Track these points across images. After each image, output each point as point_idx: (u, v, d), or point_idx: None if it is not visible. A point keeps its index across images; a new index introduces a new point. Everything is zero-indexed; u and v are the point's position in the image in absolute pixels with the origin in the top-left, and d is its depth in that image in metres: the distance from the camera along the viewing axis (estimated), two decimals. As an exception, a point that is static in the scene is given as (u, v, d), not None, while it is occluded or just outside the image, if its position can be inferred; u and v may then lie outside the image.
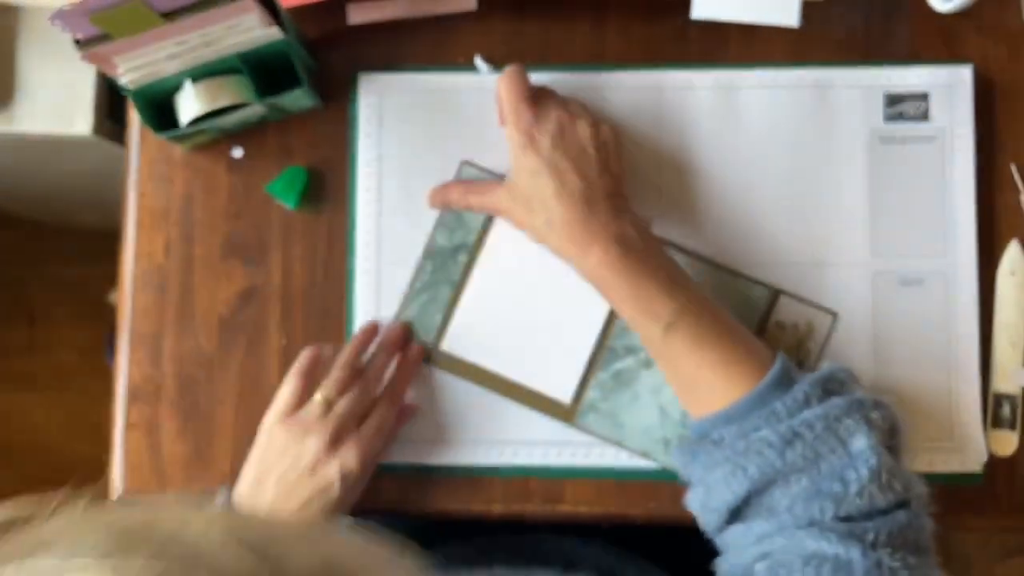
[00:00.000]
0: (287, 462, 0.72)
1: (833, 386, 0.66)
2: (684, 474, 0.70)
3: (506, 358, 0.78)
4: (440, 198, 0.79)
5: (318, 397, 0.74)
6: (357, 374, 0.75)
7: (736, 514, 0.66)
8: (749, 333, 0.71)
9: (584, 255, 0.70)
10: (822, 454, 0.63)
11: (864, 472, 0.62)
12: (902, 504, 0.63)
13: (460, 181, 0.79)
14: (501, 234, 0.79)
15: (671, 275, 0.70)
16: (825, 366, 0.69)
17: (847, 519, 0.61)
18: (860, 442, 0.63)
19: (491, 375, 0.78)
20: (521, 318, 0.79)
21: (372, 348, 0.78)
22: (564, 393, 0.78)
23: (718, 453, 0.66)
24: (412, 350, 0.78)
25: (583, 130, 0.73)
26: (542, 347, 0.78)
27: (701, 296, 0.70)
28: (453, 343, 0.79)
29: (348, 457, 0.72)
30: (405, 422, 0.78)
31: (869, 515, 0.62)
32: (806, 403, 0.65)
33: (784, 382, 0.66)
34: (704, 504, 0.67)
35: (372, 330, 0.78)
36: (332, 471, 0.72)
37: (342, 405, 0.73)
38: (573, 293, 0.78)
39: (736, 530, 0.66)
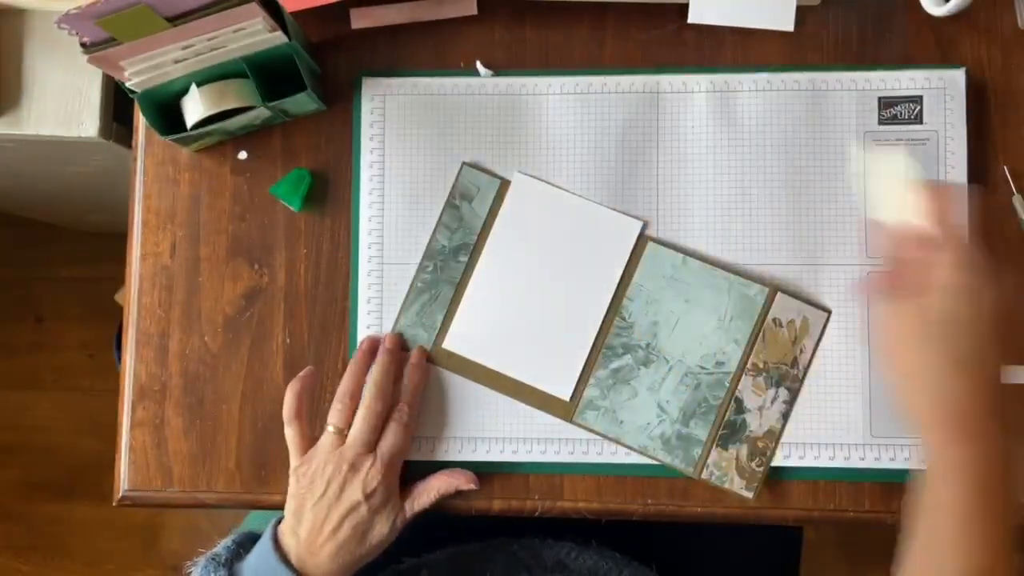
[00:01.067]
0: (317, 492, 0.74)
1: None
2: None
3: (506, 356, 0.79)
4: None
5: (329, 428, 0.76)
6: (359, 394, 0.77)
7: None
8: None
9: (933, 442, 0.62)
10: None
11: None
12: None
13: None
14: (501, 234, 0.80)
15: (1007, 513, 0.60)
16: None
17: None
18: None
19: (491, 373, 0.79)
20: (521, 317, 0.80)
21: (374, 363, 0.79)
22: (563, 390, 0.79)
23: None
24: (415, 355, 0.79)
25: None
26: (542, 345, 0.79)
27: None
28: (453, 341, 0.80)
29: (369, 476, 0.74)
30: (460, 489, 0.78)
31: None
32: None
33: None
34: None
35: (370, 349, 0.79)
36: (356, 493, 0.74)
37: (354, 432, 0.75)
38: (572, 292, 0.79)
39: None
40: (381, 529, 0.75)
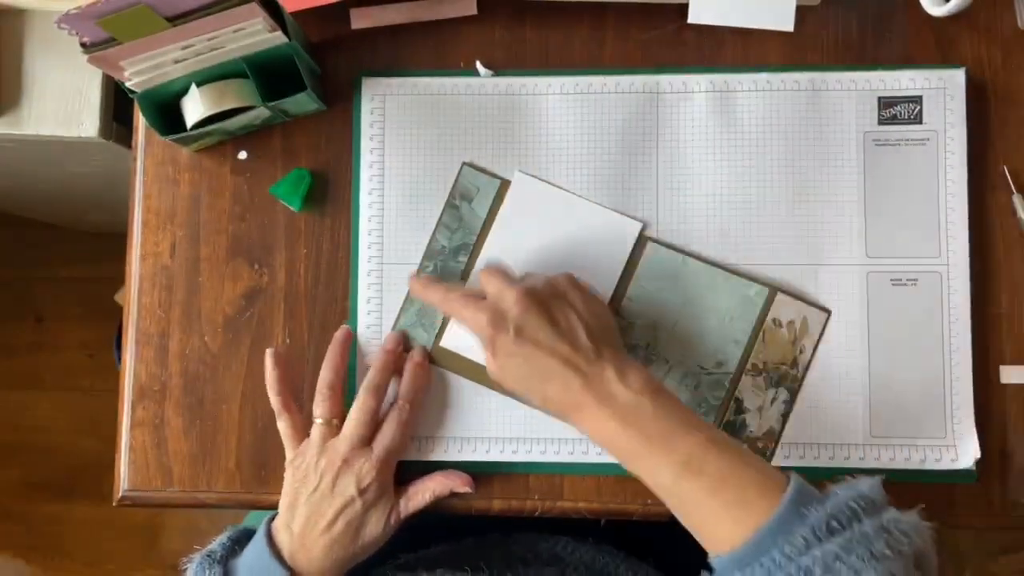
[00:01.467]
0: (310, 486, 0.74)
1: (843, 518, 0.60)
2: None
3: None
4: (418, 292, 0.78)
5: (318, 421, 0.76)
6: (339, 389, 0.78)
7: None
8: (764, 468, 0.65)
9: (579, 424, 0.69)
10: None
11: None
12: None
13: (443, 285, 0.77)
14: (501, 234, 0.80)
15: (669, 425, 0.66)
16: (840, 492, 0.62)
17: None
18: None
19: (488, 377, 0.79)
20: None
21: (373, 360, 0.79)
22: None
23: None
24: (417, 353, 0.79)
25: (542, 304, 0.70)
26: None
27: (704, 437, 0.66)
28: (453, 341, 0.80)
29: (363, 471, 0.74)
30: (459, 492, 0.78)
31: None
32: (807, 546, 0.60)
33: (794, 522, 0.61)
34: None
35: (344, 339, 0.79)
36: (350, 488, 0.74)
37: (348, 427, 0.76)
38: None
39: None
40: (375, 526, 0.75)
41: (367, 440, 0.75)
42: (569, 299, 0.71)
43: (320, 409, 0.77)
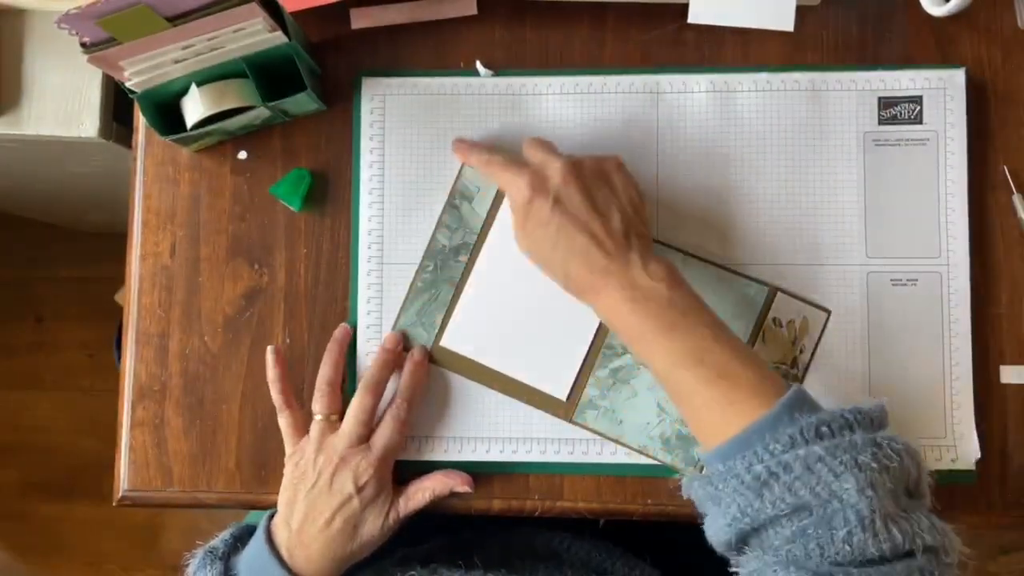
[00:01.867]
0: (308, 482, 0.74)
1: (835, 426, 0.61)
2: (696, 504, 0.68)
3: (504, 355, 0.79)
4: (463, 154, 0.79)
5: (317, 417, 0.77)
6: (338, 386, 0.78)
7: (740, 546, 0.64)
8: (766, 372, 0.66)
9: (594, 302, 0.71)
10: (805, 497, 0.59)
11: (852, 518, 0.57)
12: (904, 555, 0.58)
13: (486, 148, 0.78)
14: (501, 234, 0.80)
15: (680, 315, 0.68)
16: (835, 408, 0.63)
17: (837, 564, 0.58)
18: (849, 485, 0.58)
19: (490, 372, 0.79)
20: (519, 316, 0.80)
21: (372, 357, 0.80)
22: (559, 390, 0.79)
23: (712, 489, 0.64)
24: (417, 352, 0.79)
25: (584, 180, 0.71)
26: (539, 344, 0.79)
27: (711, 333, 0.67)
28: (452, 340, 0.80)
29: (360, 469, 0.74)
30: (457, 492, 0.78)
31: (860, 563, 0.57)
32: (791, 445, 0.61)
33: (784, 422, 0.62)
34: (710, 535, 0.66)
35: (343, 337, 0.80)
36: (348, 485, 0.74)
37: (345, 425, 0.76)
38: (562, 319, 0.79)
39: (736, 561, 0.63)
40: (373, 525, 0.75)
41: (365, 438, 0.76)
42: (612, 182, 0.72)
43: (319, 405, 0.77)
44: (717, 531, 0.65)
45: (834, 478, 0.59)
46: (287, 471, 0.76)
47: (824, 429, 0.61)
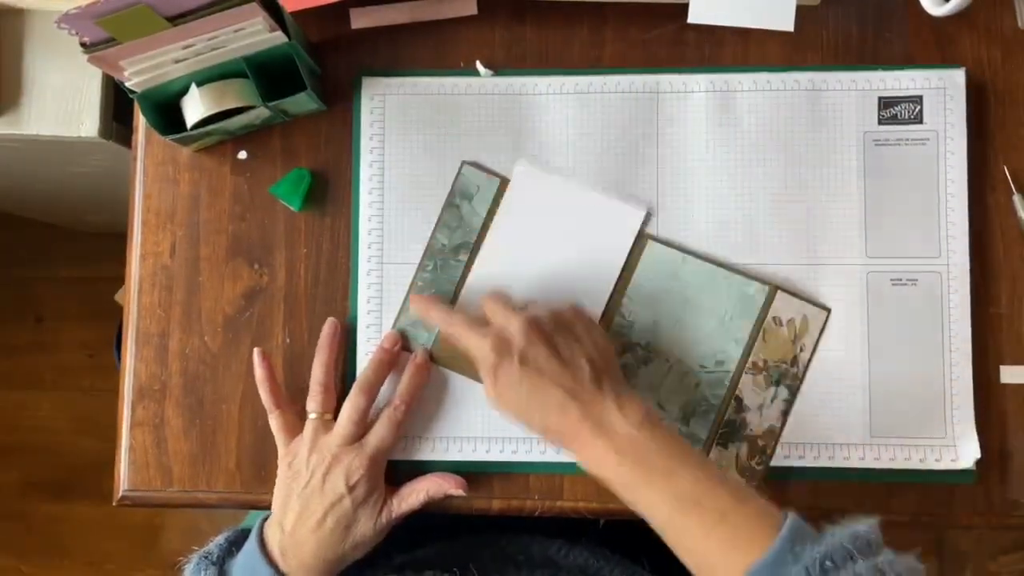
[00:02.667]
0: (301, 481, 0.74)
1: (838, 558, 0.60)
2: None
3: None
4: (423, 311, 0.78)
5: (311, 416, 0.77)
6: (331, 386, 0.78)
7: None
8: (760, 504, 0.65)
9: (577, 453, 0.70)
10: None
11: None
12: None
13: (445, 307, 0.77)
14: (500, 234, 0.80)
15: (667, 458, 0.67)
16: (836, 532, 0.62)
17: None
18: None
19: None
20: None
21: (368, 358, 0.80)
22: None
23: None
24: (419, 354, 0.79)
25: (546, 334, 0.71)
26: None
27: (702, 473, 0.66)
28: (451, 347, 0.80)
29: (352, 468, 0.74)
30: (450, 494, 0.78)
31: None
32: None
33: (788, 561, 0.61)
34: None
35: (333, 333, 0.80)
36: (339, 484, 0.74)
37: (338, 425, 0.76)
38: (570, 293, 0.79)
39: None
40: (365, 525, 0.75)
41: (357, 437, 0.76)
42: (575, 331, 0.72)
43: (313, 404, 0.77)
44: None
45: None
46: (280, 472, 0.76)
47: (828, 564, 0.60)
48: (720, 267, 0.79)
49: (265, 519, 0.76)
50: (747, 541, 0.63)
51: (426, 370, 0.79)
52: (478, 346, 0.72)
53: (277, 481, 0.76)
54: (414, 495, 0.76)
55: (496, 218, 0.80)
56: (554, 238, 0.80)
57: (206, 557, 0.76)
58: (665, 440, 0.67)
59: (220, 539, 0.78)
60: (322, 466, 0.74)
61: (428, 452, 0.79)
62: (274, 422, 0.78)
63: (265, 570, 0.72)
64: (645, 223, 0.80)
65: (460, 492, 0.77)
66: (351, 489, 0.74)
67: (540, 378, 0.69)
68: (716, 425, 0.78)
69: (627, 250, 0.79)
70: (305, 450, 0.75)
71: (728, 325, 0.78)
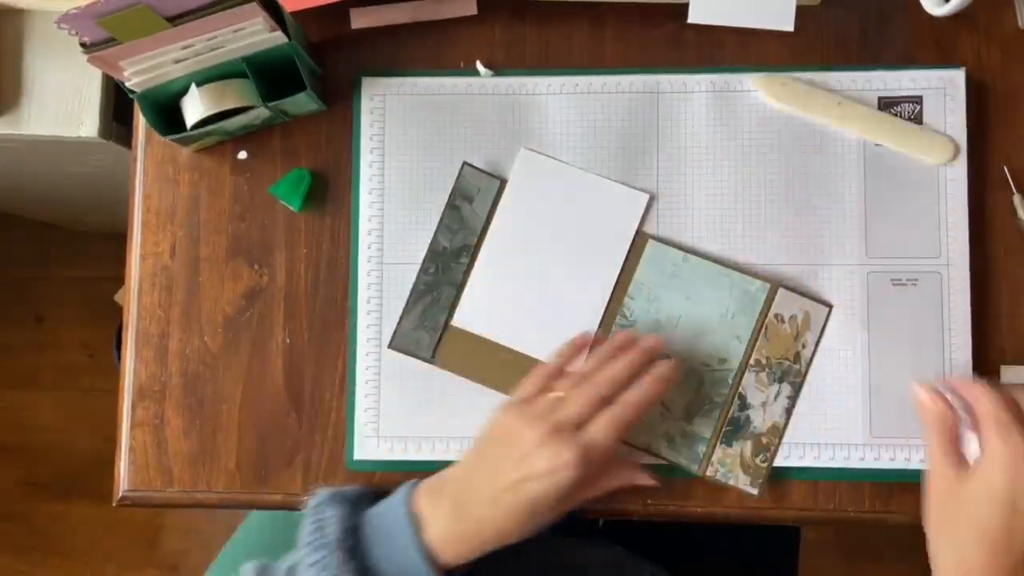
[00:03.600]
0: (502, 441, 0.70)
1: None
2: None
3: (508, 352, 0.79)
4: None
5: (550, 396, 0.72)
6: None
7: None
8: None
9: None
10: None
11: None
12: None
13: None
14: (500, 234, 0.80)
15: None
16: None
17: None
18: None
19: (492, 373, 0.79)
20: (520, 317, 0.80)
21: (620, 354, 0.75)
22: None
23: None
24: (661, 366, 0.73)
25: None
26: (541, 347, 0.79)
27: None
28: (454, 341, 0.80)
29: (560, 454, 0.68)
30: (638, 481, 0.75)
31: None
32: None
33: None
34: None
35: (583, 343, 0.77)
36: (539, 465, 0.68)
37: (569, 407, 0.70)
38: (572, 294, 0.79)
39: None
40: (546, 510, 0.69)
41: (578, 427, 0.70)
42: None
43: (565, 386, 0.72)
44: None
45: None
46: (491, 416, 0.72)
47: None
48: (721, 265, 0.79)
49: (415, 483, 0.71)
50: None
51: (666, 384, 0.73)
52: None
53: (481, 431, 0.72)
54: (615, 479, 0.73)
55: (496, 214, 0.80)
56: (556, 228, 0.80)
57: (339, 493, 0.72)
58: None
59: (356, 486, 0.74)
60: (530, 442, 0.68)
61: (427, 453, 0.79)
62: (529, 381, 0.74)
63: (407, 535, 0.67)
64: (646, 217, 0.79)
65: (651, 483, 0.74)
66: (550, 473, 0.67)
67: None
68: (720, 423, 0.78)
69: (635, 226, 0.79)
70: (527, 420, 0.70)
71: (730, 323, 0.78)
